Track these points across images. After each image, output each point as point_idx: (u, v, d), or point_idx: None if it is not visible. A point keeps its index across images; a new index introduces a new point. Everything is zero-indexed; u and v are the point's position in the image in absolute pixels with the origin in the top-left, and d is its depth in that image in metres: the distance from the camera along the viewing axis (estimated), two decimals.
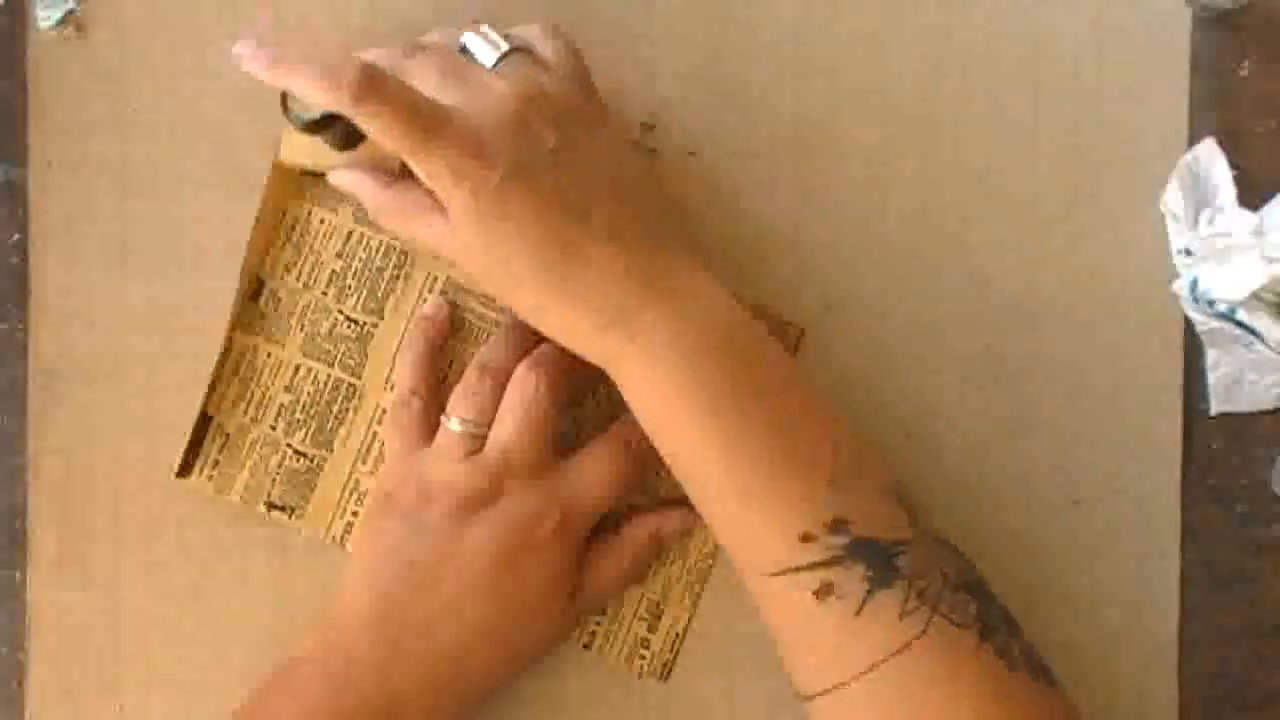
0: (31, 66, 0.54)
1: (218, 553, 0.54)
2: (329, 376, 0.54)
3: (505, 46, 0.48)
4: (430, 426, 0.52)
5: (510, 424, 0.50)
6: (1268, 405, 0.54)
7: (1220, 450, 0.55)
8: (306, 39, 0.50)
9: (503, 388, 0.51)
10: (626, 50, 0.54)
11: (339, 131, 0.49)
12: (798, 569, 0.45)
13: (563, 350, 0.50)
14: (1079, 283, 0.54)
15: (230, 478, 0.54)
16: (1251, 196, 0.53)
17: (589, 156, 0.47)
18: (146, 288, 0.54)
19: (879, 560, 0.45)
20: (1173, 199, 0.53)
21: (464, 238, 0.46)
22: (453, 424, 0.51)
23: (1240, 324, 0.53)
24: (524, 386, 0.50)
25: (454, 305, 0.54)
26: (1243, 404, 0.54)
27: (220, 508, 0.54)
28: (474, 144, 0.45)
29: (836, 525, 0.45)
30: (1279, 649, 0.55)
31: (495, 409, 0.51)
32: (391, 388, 0.54)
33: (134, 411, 0.54)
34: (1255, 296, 0.52)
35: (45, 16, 0.54)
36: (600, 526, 0.52)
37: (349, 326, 0.54)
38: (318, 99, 0.45)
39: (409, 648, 0.49)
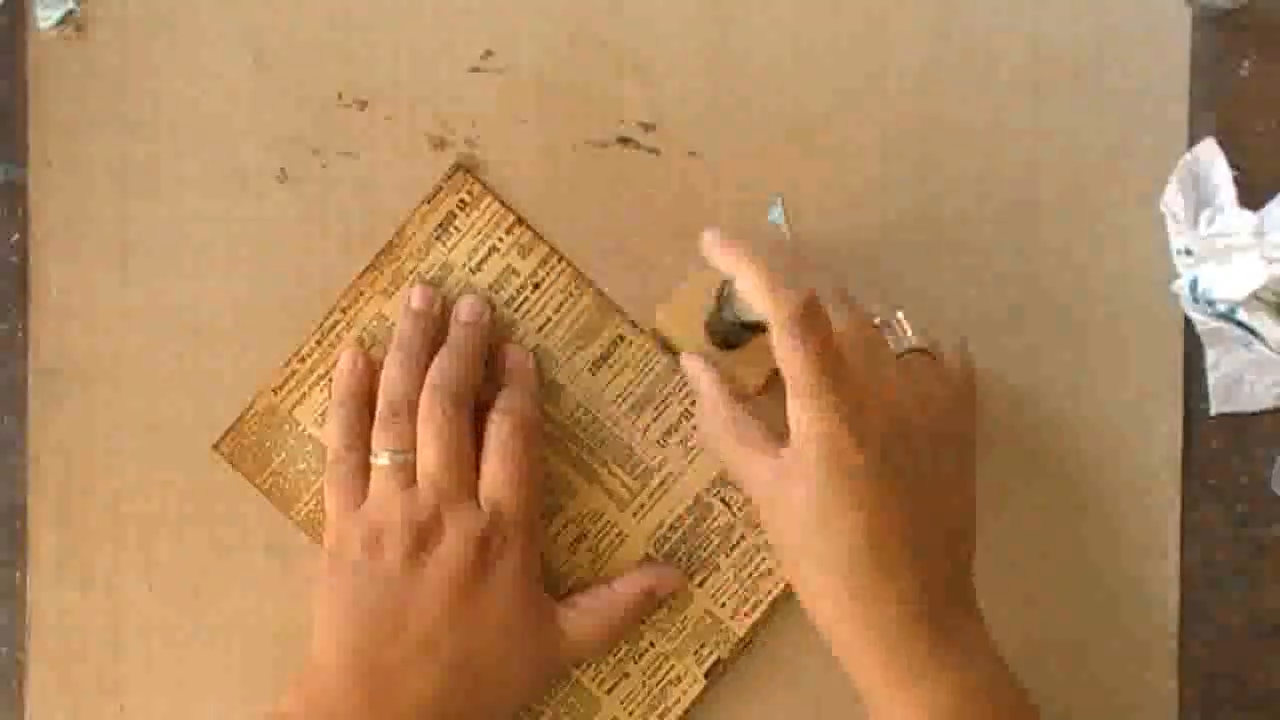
0: (31, 66, 0.54)
1: (218, 553, 0.54)
2: None
3: (913, 343, 0.49)
4: (367, 481, 0.52)
5: (430, 454, 0.50)
6: (1268, 405, 0.54)
7: (1220, 450, 0.55)
8: (769, 241, 0.51)
9: (415, 410, 0.51)
10: (627, 50, 0.54)
11: (737, 337, 0.50)
12: None
13: (455, 368, 0.51)
14: (1079, 283, 0.54)
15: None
16: (1251, 196, 0.53)
17: (944, 485, 0.47)
18: (146, 288, 0.54)
19: None
20: (1173, 199, 0.53)
21: (792, 493, 0.46)
22: (382, 459, 0.51)
23: (1240, 324, 0.53)
24: (432, 415, 0.50)
25: (369, 356, 0.53)
26: (1243, 404, 0.54)
27: (220, 508, 0.54)
28: (855, 421, 0.45)
29: None
30: (1279, 649, 0.55)
31: (414, 432, 0.51)
32: None
33: (134, 411, 0.54)
34: (1255, 296, 0.52)
35: (45, 16, 0.54)
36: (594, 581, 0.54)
37: None
38: (756, 300, 0.45)
39: (387, 699, 0.49)
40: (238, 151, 0.54)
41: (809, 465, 0.45)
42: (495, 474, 0.51)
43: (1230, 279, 0.52)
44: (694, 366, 0.51)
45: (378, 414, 0.52)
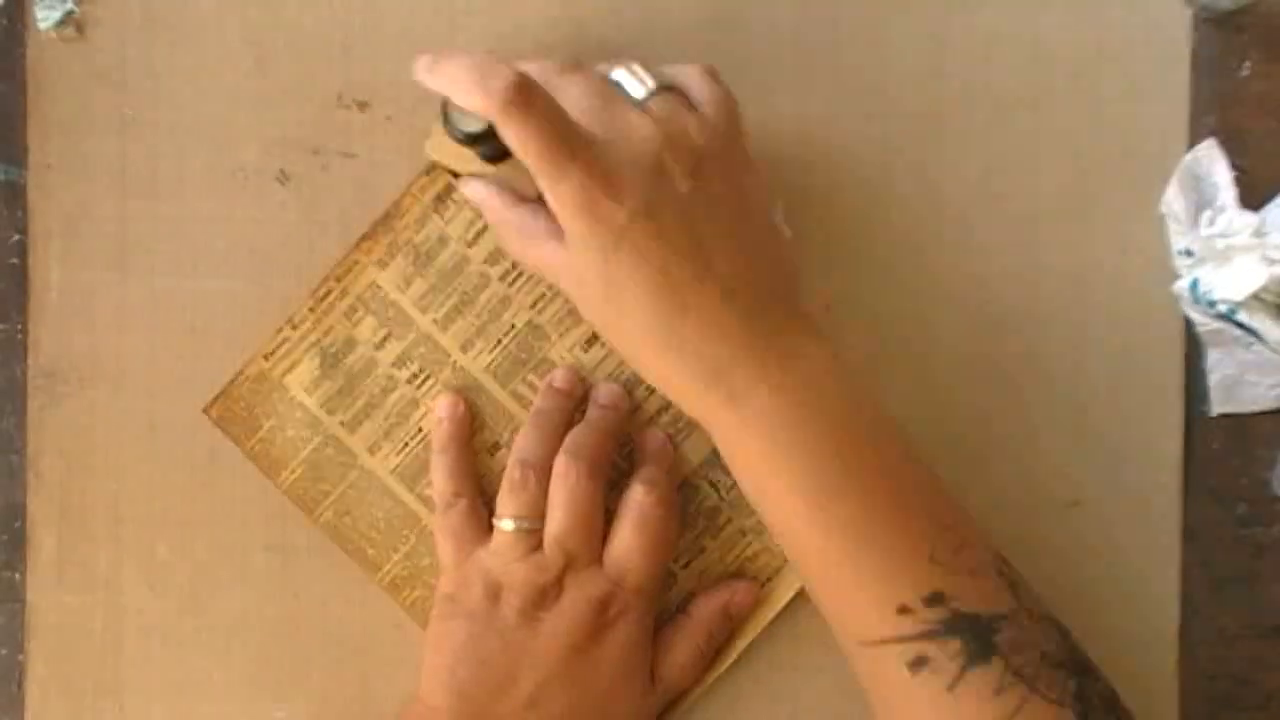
0: (31, 67, 0.54)
1: (218, 553, 0.54)
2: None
3: (654, 85, 0.47)
4: (480, 524, 0.52)
5: (561, 518, 0.50)
6: (1268, 405, 0.54)
7: (1220, 450, 0.55)
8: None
9: (547, 478, 0.51)
10: (627, 51, 0.54)
11: (491, 147, 0.49)
12: (893, 640, 0.45)
13: (592, 439, 0.51)
14: (1079, 283, 0.54)
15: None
16: (1252, 197, 0.53)
17: (721, 207, 0.46)
18: (146, 288, 0.54)
19: (975, 635, 0.44)
20: (1173, 199, 0.53)
21: (579, 270, 0.46)
22: (505, 524, 0.51)
23: (1240, 324, 0.53)
24: (566, 480, 0.50)
25: (469, 398, 0.54)
26: (1243, 404, 0.54)
27: (219, 508, 0.54)
28: (606, 177, 0.44)
29: (934, 599, 0.45)
30: (1279, 649, 0.55)
31: (544, 500, 0.51)
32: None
33: (134, 411, 0.54)
34: (1256, 297, 0.52)
35: (45, 17, 0.54)
36: (671, 610, 0.54)
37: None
38: (466, 101, 0.44)
39: None
40: (238, 151, 0.54)
41: (580, 241, 0.45)
42: (628, 541, 0.51)
43: (1230, 279, 0.52)
44: (470, 188, 0.50)
45: (507, 476, 0.51)
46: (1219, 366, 0.54)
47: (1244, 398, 0.54)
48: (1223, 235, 0.52)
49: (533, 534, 0.51)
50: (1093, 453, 0.54)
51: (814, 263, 0.54)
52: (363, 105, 0.54)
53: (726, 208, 0.47)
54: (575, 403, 0.53)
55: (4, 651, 0.54)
